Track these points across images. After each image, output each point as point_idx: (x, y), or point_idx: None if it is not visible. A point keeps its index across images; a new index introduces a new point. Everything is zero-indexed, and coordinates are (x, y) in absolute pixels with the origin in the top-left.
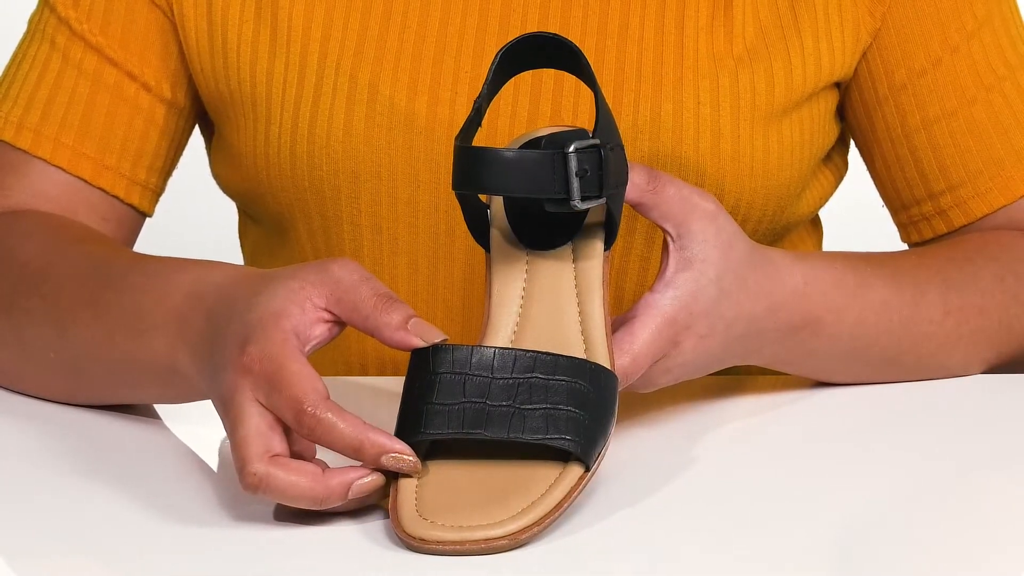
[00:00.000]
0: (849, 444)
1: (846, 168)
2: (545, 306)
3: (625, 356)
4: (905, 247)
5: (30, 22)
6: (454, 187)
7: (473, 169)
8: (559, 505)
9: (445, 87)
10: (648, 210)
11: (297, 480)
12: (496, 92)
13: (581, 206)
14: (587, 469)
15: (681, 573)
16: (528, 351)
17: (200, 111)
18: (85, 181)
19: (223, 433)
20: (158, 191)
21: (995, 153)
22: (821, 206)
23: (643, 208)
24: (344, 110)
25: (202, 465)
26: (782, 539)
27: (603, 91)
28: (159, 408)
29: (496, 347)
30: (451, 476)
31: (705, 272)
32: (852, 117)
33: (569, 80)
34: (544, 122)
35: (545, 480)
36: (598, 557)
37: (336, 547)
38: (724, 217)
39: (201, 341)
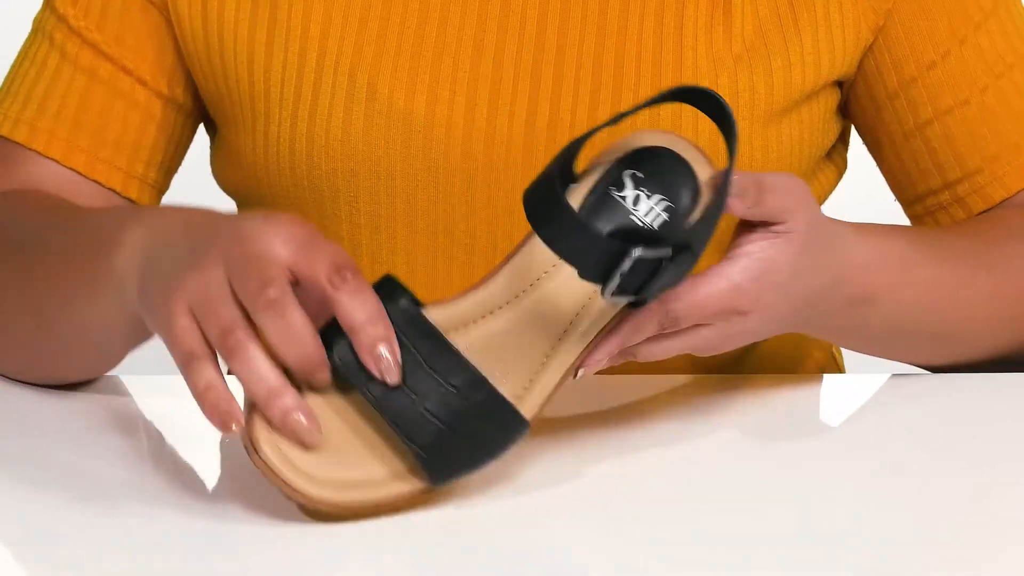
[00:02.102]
0: (850, 446)
1: (845, 166)
2: (524, 321)
3: (679, 302)
4: None
5: (34, 21)
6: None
7: (539, 207)
8: (393, 504)
9: (444, 86)
10: (750, 219)
11: (305, 322)
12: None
13: (609, 300)
14: (429, 485)
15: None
16: (468, 364)
17: (205, 109)
18: (79, 173)
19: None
20: (159, 187)
21: (1010, 139)
22: (821, 204)
23: (745, 220)
24: (343, 109)
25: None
26: (786, 540)
27: (602, 91)
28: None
29: (447, 337)
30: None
31: (783, 251)
32: (860, 114)
33: (568, 81)
34: (542, 122)
35: (392, 468)
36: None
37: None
38: (812, 202)
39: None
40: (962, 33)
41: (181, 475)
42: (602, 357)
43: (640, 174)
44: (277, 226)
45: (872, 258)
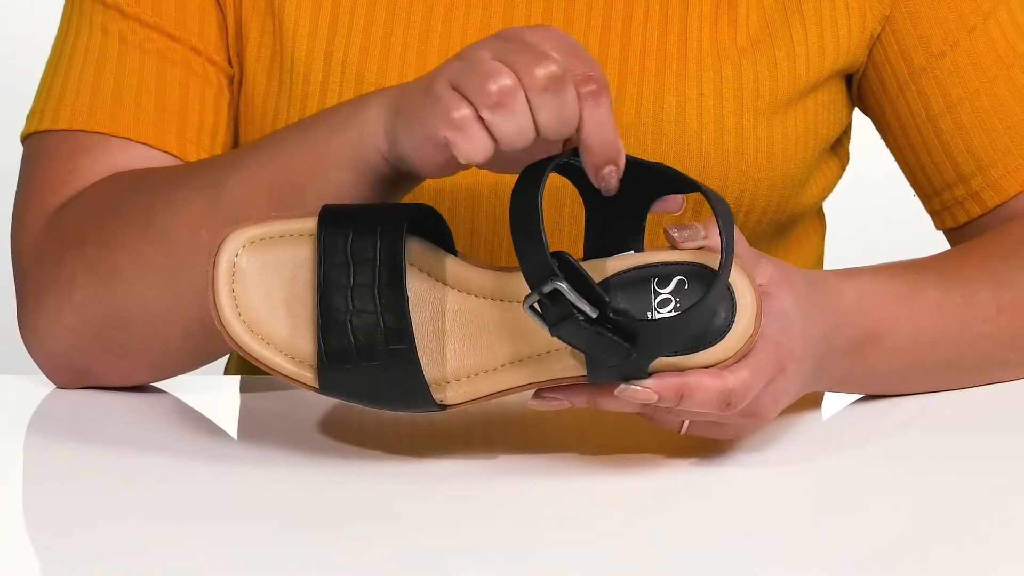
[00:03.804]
0: (848, 451)
1: (848, 159)
2: (507, 324)
3: (743, 370)
4: (911, 238)
5: (66, 17)
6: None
7: (522, 190)
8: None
9: None
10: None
11: (577, 106)
12: None
13: (525, 305)
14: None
15: None
16: (406, 313)
17: None
18: (172, 156)
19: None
20: None
21: (1022, 130)
22: (826, 196)
23: None
24: None
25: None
26: (785, 543)
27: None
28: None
29: (448, 290)
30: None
31: (784, 299)
32: (875, 106)
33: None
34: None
35: (305, 351)
36: None
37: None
38: (767, 255)
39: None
40: (971, 22)
41: (193, 470)
42: (564, 401)
43: (687, 286)
44: (544, 28)
45: (863, 297)
